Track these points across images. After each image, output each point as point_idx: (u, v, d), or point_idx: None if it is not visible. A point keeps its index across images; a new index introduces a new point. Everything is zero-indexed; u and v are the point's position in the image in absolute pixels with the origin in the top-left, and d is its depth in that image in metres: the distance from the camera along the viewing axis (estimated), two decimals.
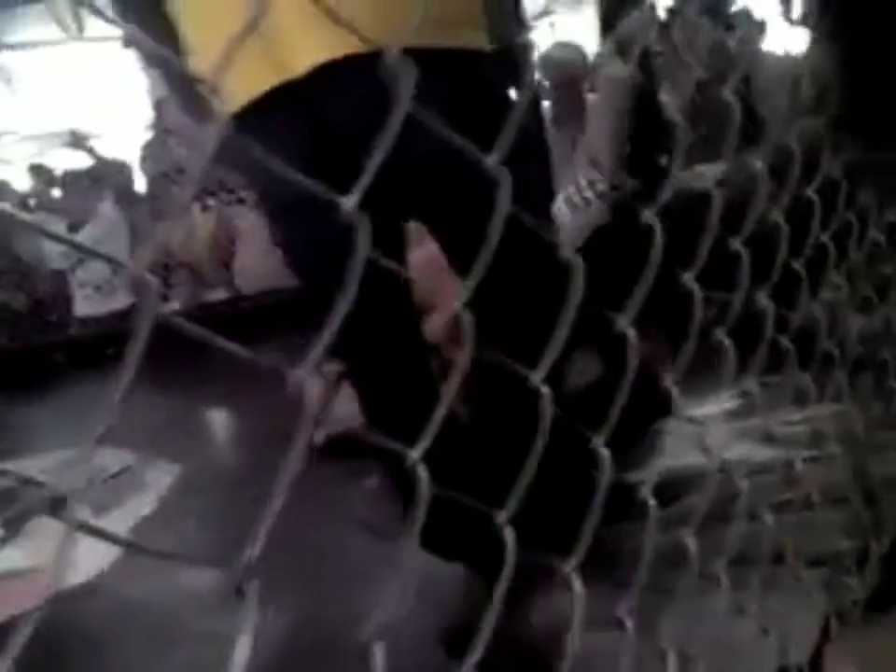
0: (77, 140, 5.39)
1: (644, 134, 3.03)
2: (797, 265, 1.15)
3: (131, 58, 5.32)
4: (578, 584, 0.73)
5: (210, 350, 0.45)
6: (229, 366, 0.51)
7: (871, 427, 1.40)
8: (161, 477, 3.08)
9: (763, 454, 1.15)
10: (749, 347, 1.04)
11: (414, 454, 0.57)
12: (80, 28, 7.07)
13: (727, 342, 0.97)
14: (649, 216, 0.80)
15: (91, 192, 5.31)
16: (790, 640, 1.09)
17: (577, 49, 3.57)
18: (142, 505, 2.90)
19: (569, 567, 0.73)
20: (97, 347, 4.65)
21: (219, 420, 4.01)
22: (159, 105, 5.66)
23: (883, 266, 1.41)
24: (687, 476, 1.03)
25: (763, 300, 1.06)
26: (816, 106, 1.26)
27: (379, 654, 0.54)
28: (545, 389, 0.67)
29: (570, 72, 3.38)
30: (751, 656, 1.03)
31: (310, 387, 0.49)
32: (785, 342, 1.11)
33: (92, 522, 0.38)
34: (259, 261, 5.01)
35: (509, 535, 0.65)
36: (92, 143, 5.52)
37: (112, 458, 3.27)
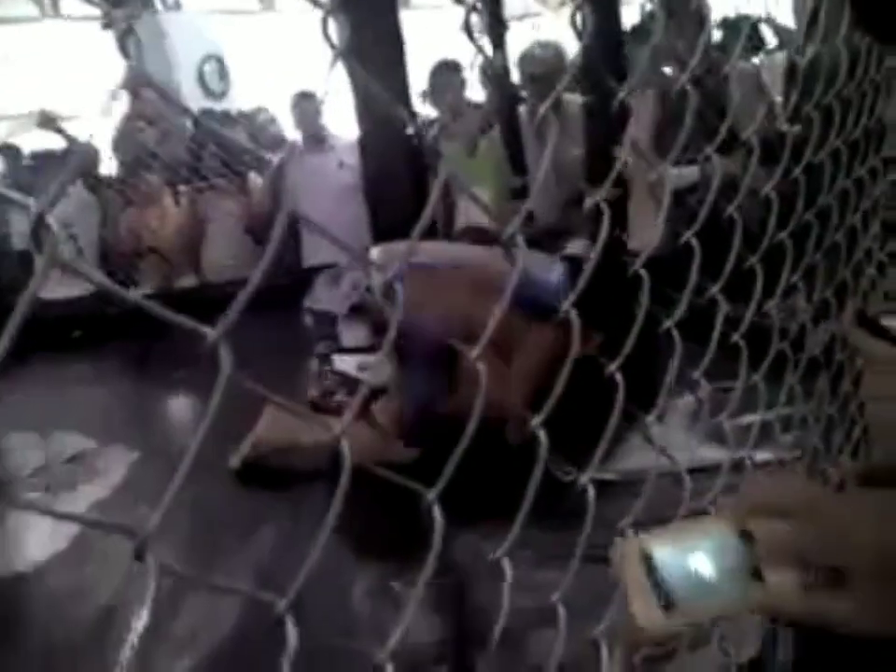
0: (47, 121, 5.29)
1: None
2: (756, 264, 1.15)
3: (109, 39, 5.26)
4: (509, 568, 0.72)
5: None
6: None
7: (825, 431, 1.40)
8: (117, 463, 3.04)
9: (712, 454, 1.14)
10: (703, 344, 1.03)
11: None
12: (56, 6, 6.96)
13: (679, 341, 0.96)
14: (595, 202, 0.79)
15: (63, 173, 5.18)
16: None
17: (556, 48, 3.60)
18: (95, 490, 2.86)
19: (501, 551, 0.72)
20: (62, 330, 4.57)
21: (176, 407, 3.96)
22: (135, 91, 5.57)
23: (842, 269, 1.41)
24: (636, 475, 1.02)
25: (724, 304, 1.05)
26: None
27: (292, 627, 0.53)
28: None
29: (548, 69, 3.41)
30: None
31: (224, 349, 0.48)
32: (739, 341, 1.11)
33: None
34: (227, 250, 4.98)
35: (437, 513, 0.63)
36: (65, 124, 5.41)
37: (69, 443, 3.23)
